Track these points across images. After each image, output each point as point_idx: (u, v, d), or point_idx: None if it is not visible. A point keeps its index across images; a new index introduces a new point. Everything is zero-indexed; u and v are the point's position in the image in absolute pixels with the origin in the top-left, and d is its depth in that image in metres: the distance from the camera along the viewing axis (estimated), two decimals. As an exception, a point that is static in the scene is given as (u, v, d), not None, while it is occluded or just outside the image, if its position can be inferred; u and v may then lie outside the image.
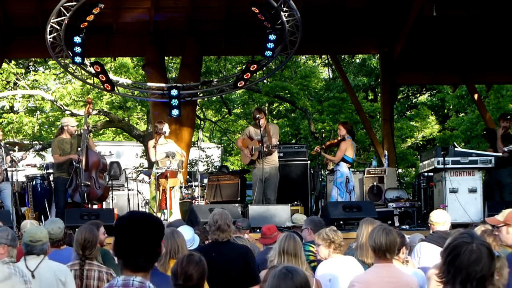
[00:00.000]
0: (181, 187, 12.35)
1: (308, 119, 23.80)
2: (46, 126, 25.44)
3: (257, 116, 11.60)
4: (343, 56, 23.70)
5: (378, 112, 22.58)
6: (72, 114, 21.65)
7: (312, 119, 23.75)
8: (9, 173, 11.57)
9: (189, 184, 13.52)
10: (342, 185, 11.88)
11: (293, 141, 24.39)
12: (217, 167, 21.86)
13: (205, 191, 13.19)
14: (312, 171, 13.39)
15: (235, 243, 6.54)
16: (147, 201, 13.26)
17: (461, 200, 11.00)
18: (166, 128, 11.94)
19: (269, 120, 22.23)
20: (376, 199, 12.81)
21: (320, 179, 13.06)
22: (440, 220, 6.94)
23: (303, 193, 13.08)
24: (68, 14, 12.59)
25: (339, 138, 12.03)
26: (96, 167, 11.67)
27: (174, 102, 14.02)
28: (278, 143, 11.75)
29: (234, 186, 13.04)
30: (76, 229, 6.22)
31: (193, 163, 20.96)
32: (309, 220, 7.52)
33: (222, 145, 29.66)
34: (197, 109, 19.78)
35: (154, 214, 10.43)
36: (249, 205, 11.76)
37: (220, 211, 6.36)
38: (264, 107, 24.46)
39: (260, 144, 11.54)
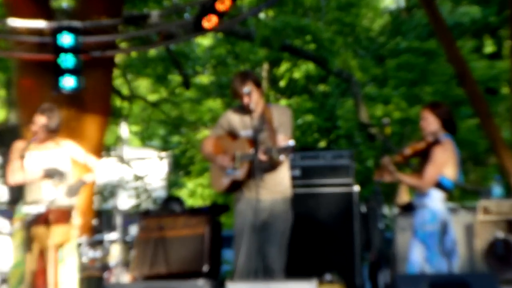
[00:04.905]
0: (79, 245, 9.45)
1: (354, 96, 17.92)
2: None
3: (243, 89, 8.07)
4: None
5: (507, 81, 17.18)
6: None
7: (364, 96, 17.63)
8: None
9: (98, 237, 10.54)
10: (433, 238, 8.15)
11: (322, 143, 19.18)
12: (159, 200, 18.18)
13: (133, 252, 10.17)
14: (365, 209, 10.40)
15: None
16: (4, 276, 10.19)
17: None
18: (53, 121, 8.59)
19: (271, 97, 18.57)
20: (504, 268, 9.81)
21: (382, 227, 9.93)
22: None
23: (343, 254, 10.04)
24: None
25: (428, 139, 8.19)
26: None
27: (66, 61, 10.74)
28: (291, 144, 7.92)
29: (195, 242, 10.10)
30: None
31: (108, 192, 16.80)
32: None
33: (171, 152, 23.91)
34: (116, 76, 16.84)
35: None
36: (226, 283, 8.03)
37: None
38: (259, 72, 19.56)
39: (252, 146, 8.05)
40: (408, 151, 8.18)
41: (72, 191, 8.46)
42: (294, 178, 8.97)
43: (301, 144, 16.99)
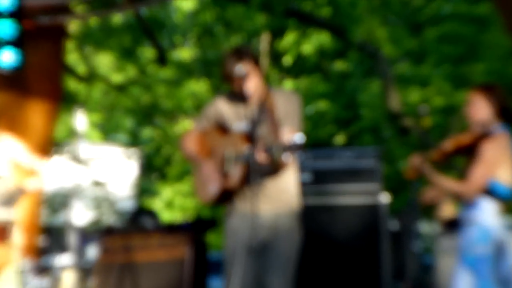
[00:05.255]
0: (21, 271, 8.33)
1: (382, 77, 16.17)
2: None
3: (237, 68, 6.75)
4: None
5: None
6: None
7: (395, 77, 15.27)
8: None
9: (46, 260, 10.70)
10: (484, 263, 6.77)
11: (340, 138, 17.49)
12: (126, 213, 16.65)
13: (92, 281, 9.85)
14: (396, 225, 9.50)
15: None
16: None
17: None
18: None
19: (272, 78, 17.10)
20: None
21: (418, 249, 8.68)
22: None
23: (368, 283, 8.97)
24: None
25: (476, 131, 6.84)
26: None
27: (4, 30, 9.81)
28: (299, 139, 6.59)
29: (173, 268, 9.14)
30: None
31: (59, 202, 15.54)
32: None
33: (141, 149, 22.15)
34: (70, 50, 15.24)
35: None
36: (213, 321, 7.87)
37: None
38: (257, 45, 17.99)
39: (248, 143, 6.77)
40: (449, 146, 6.86)
41: (10, 201, 7.75)
42: (304, 184, 8.06)
43: (313, 140, 15.63)
